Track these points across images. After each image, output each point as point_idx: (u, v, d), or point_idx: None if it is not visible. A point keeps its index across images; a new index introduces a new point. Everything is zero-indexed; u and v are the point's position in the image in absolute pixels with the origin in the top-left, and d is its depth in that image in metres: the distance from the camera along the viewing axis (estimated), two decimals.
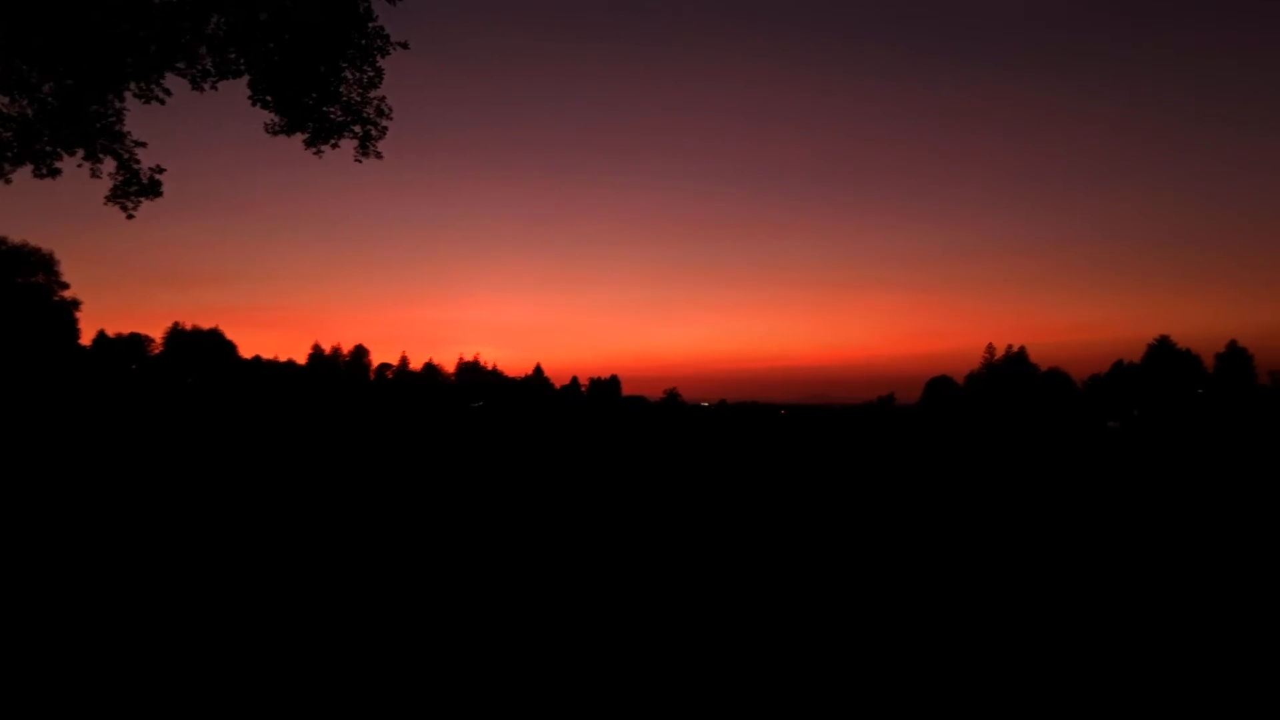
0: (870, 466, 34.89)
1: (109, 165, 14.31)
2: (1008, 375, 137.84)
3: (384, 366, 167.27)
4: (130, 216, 14.84)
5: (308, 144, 14.09)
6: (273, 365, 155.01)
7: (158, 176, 14.69)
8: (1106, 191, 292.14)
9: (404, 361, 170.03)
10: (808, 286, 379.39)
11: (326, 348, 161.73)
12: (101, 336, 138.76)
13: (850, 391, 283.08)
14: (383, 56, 13.53)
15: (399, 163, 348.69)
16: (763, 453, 43.42)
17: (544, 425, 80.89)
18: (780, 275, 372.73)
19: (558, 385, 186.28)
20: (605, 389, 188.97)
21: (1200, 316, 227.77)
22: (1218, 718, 7.17)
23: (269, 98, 13.50)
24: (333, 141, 14.09)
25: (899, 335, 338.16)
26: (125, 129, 14.15)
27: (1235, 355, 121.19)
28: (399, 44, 13.59)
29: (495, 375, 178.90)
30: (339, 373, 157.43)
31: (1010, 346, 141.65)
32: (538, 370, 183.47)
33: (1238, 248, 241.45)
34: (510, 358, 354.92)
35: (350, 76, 13.60)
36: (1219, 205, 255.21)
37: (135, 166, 14.45)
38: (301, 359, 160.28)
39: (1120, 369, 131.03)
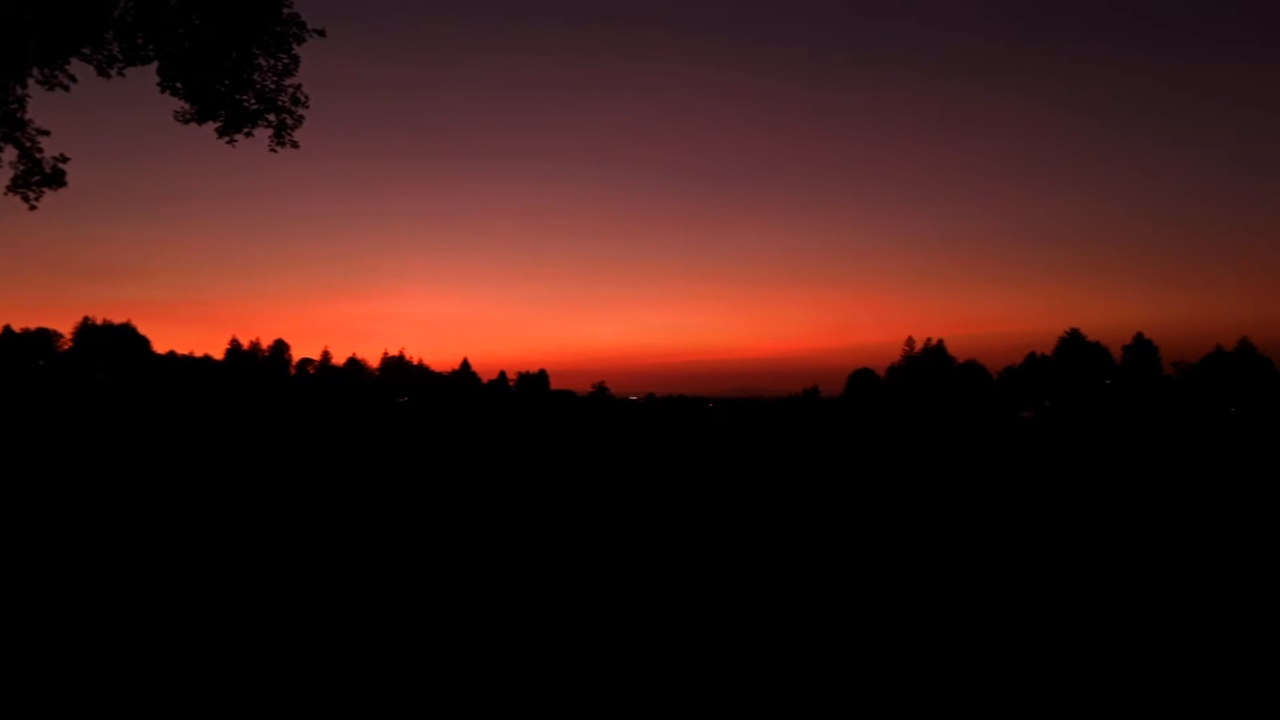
0: (796, 456, 35.50)
1: (10, 154, 13.76)
2: (927, 368, 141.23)
3: (305, 362, 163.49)
4: (33, 207, 14.28)
5: (220, 133, 13.72)
6: (188, 361, 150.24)
7: (62, 166, 14.16)
8: (1020, 190, 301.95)
9: (326, 356, 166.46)
10: (734, 281, 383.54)
11: (245, 343, 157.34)
12: (7, 332, 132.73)
13: (777, 384, 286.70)
14: (298, 43, 13.26)
15: (320, 153, 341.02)
16: (688, 445, 43.73)
17: (469, 420, 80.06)
18: (708, 270, 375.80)
19: (485, 380, 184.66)
20: (533, 383, 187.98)
21: (1109, 310, 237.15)
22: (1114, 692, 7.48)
23: (179, 84, 13.10)
24: (246, 130, 13.74)
25: (823, 329, 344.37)
26: (27, 116, 13.64)
27: (1142, 347, 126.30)
28: (315, 31, 13.32)
29: (421, 370, 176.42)
30: (258, 368, 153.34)
31: (929, 340, 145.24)
32: (465, 365, 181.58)
33: (1144, 244, 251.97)
34: (437, 353, 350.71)
35: (264, 63, 13.29)
36: (1126, 204, 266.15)
37: (38, 155, 13.91)
38: (219, 354, 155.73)
39: (1033, 361, 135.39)
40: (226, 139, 13.82)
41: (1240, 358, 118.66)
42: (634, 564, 12.18)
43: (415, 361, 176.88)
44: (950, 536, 14.91)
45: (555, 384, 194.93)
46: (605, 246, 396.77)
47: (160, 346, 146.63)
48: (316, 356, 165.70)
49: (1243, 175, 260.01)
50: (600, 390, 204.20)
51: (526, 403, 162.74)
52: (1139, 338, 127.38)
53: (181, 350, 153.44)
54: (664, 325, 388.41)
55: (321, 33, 13.39)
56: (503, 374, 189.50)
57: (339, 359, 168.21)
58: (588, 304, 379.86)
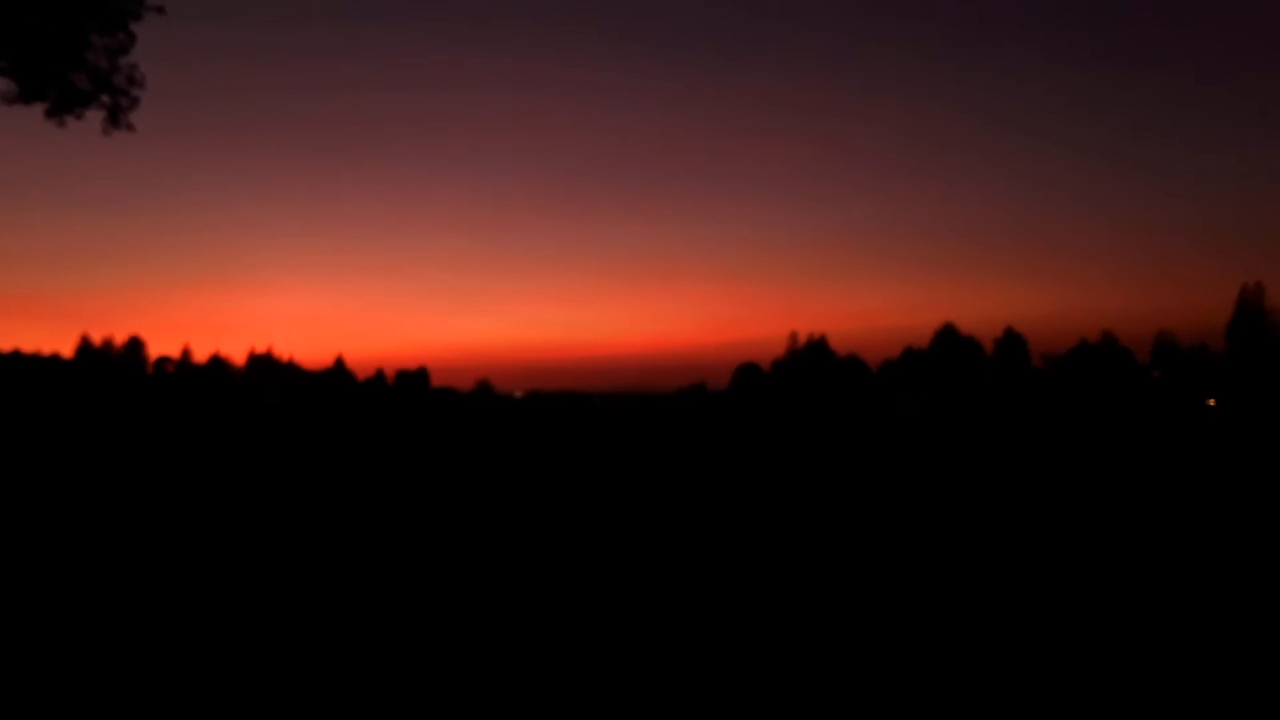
0: (685, 451, 34.62)
1: None
2: (810, 362, 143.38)
3: (163, 360, 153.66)
4: None
5: (49, 114, 12.92)
6: (33, 359, 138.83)
7: None
8: (897, 188, 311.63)
9: (186, 354, 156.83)
10: (618, 276, 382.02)
11: (96, 339, 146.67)
12: None
13: (663, 379, 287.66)
14: (135, 20, 12.57)
15: (176, 136, 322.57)
16: (571, 442, 42.24)
17: (341, 420, 75.97)
18: (593, 264, 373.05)
19: (361, 378, 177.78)
20: (413, 381, 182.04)
21: (982, 304, 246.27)
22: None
23: (3, 64, 12.41)
24: (77, 112, 13.07)
25: (709, 324, 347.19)
26: None
27: (1012, 340, 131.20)
28: (154, 7, 12.52)
29: (291, 368, 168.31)
30: (112, 367, 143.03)
31: (812, 334, 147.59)
32: (339, 362, 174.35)
33: (1014, 241, 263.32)
34: (309, 350, 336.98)
35: (97, 42, 12.60)
36: (998, 202, 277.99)
37: None
38: (68, 352, 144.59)
39: (910, 354, 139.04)
40: (56, 121, 13.13)
41: (1104, 349, 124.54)
42: (483, 575, 10.90)
43: (285, 359, 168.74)
44: (829, 525, 14.99)
45: (436, 381, 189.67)
46: (486, 239, 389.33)
47: (3, 344, 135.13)
48: (176, 354, 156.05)
49: (1105, 176, 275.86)
50: (483, 387, 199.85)
51: (404, 401, 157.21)
52: (1009, 331, 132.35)
53: (27, 348, 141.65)
54: (548, 320, 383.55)
55: (161, 9, 12.61)
56: (380, 372, 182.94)
57: (201, 356, 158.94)
58: (469, 298, 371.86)
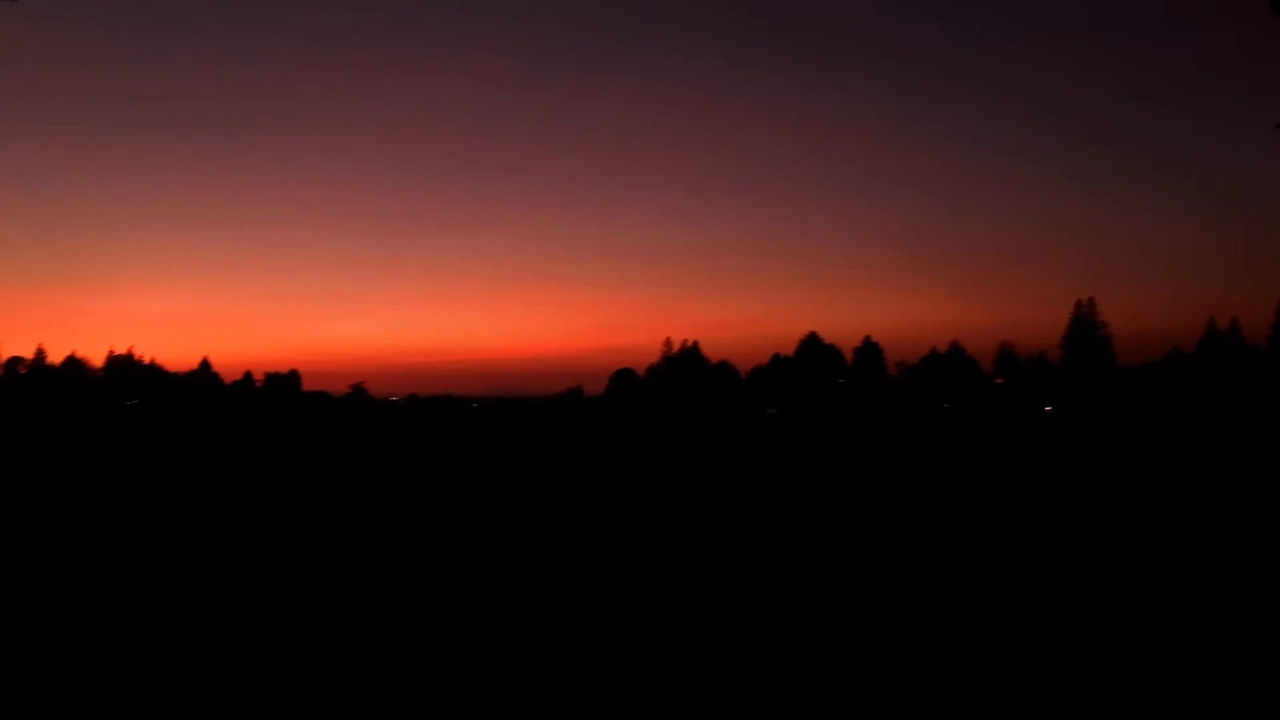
0: (562, 453, 35.62)
1: None
2: (683, 368, 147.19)
3: (14, 361, 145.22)
4: None
5: None
6: None
7: None
8: (766, 203, 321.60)
9: (40, 355, 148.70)
10: (498, 280, 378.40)
11: None
12: None
13: (541, 384, 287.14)
14: None
15: (27, 131, 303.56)
16: (450, 445, 42.69)
17: (208, 423, 74.40)
18: (471, 268, 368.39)
19: (229, 381, 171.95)
20: (283, 384, 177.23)
21: (843, 314, 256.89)
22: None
23: None
24: None
25: (585, 329, 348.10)
26: None
27: (870, 349, 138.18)
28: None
29: (154, 370, 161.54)
30: None
31: (685, 341, 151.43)
32: (204, 365, 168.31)
33: (873, 256, 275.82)
34: (173, 351, 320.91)
35: None
36: (857, 218, 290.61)
37: None
38: None
39: (777, 361, 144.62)
40: None
41: (952, 359, 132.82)
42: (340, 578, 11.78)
43: (147, 361, 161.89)
44: (700, 517, 15.77)
45: (309, 385, 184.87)
46: (366, 240, 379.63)
47: None
48: (29, 355, 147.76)
49: (954, 194, 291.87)
50: (358, 391, 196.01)
51: (274, 405, 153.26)
52: (867, 340, 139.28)
53: None
54: (426, 325, 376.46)
55: None
56: (248, 374, 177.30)
57: (56, 358, 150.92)
58: (343, 301, 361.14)
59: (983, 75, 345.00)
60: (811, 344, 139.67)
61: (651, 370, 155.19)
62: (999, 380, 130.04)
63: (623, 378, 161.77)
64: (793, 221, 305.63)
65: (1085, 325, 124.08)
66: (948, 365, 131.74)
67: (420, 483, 24.84)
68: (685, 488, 23.04)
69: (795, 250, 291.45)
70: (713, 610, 9.40)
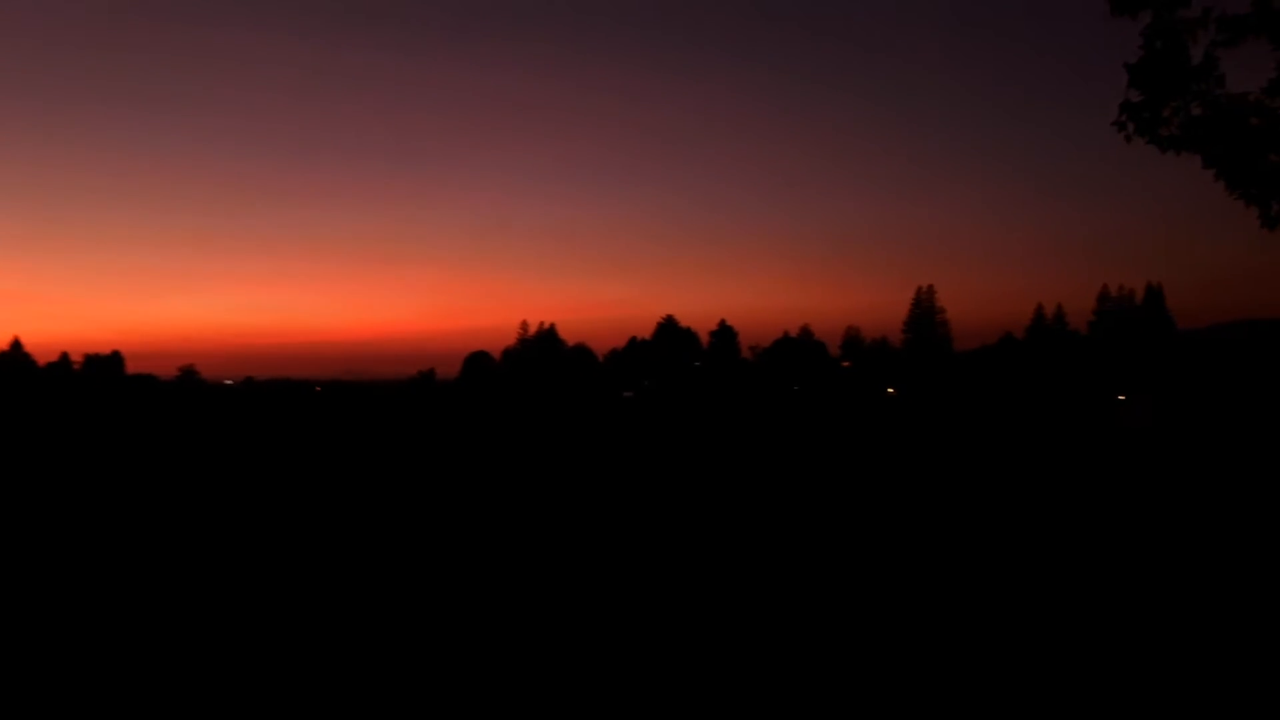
0: (412, 437, 34.56)
1: None
2: (540, 351, 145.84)
3: None
4: None
5: None
6: None
7: None
8: (624, 184, 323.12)
9: None
10: (342, 259, 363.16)
11: None
12: None
13: (390, 367, 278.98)
14: None
15: None
16: (288, 431, 40.63)
17: (17, 407, 68.00)
18: (315, 245, 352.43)
19: (43, 363, 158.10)
20: (104, 366, 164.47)
21: (699, 299, 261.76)
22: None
23: None
24: None
25: (438, 311, 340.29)
26: None
27: (725, 333, 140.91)
28: None
29: None
30: None
31: (542, 324, 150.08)
32: (15, 345, 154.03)
33: (728, 241, 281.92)
34: None
35: None
36: (713, 203, 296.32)
37: None
38: None
39: (635, 344, 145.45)
40: None
41: (802, 342, 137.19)
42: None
43: None
44: (558, 497, 15.43)
45: (133, 368, 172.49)
46: (196, 215, 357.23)
47: None
48: None
49: (804, 181, 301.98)
50: (188, 374, 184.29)
51: (94, 389, 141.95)
52: (722, 324, 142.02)
53: None
54: (264, 305, 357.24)
55: None
56: (65, 356, 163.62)
57: None
58: (171, 278, 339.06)
59: (834, 72, 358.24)
60: (668, 327, 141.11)
61: (508, 353, 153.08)
62: (846, 363, 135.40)
63: (477, 360, 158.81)
64: (650, 206, 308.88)
65: (925, 311, 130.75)
66: (798, 349, 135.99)
67: (250, 471, 23.42)
68: (535, 471, 23.08)
69: (653, 235, 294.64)
70: (546, 597, 9.23)
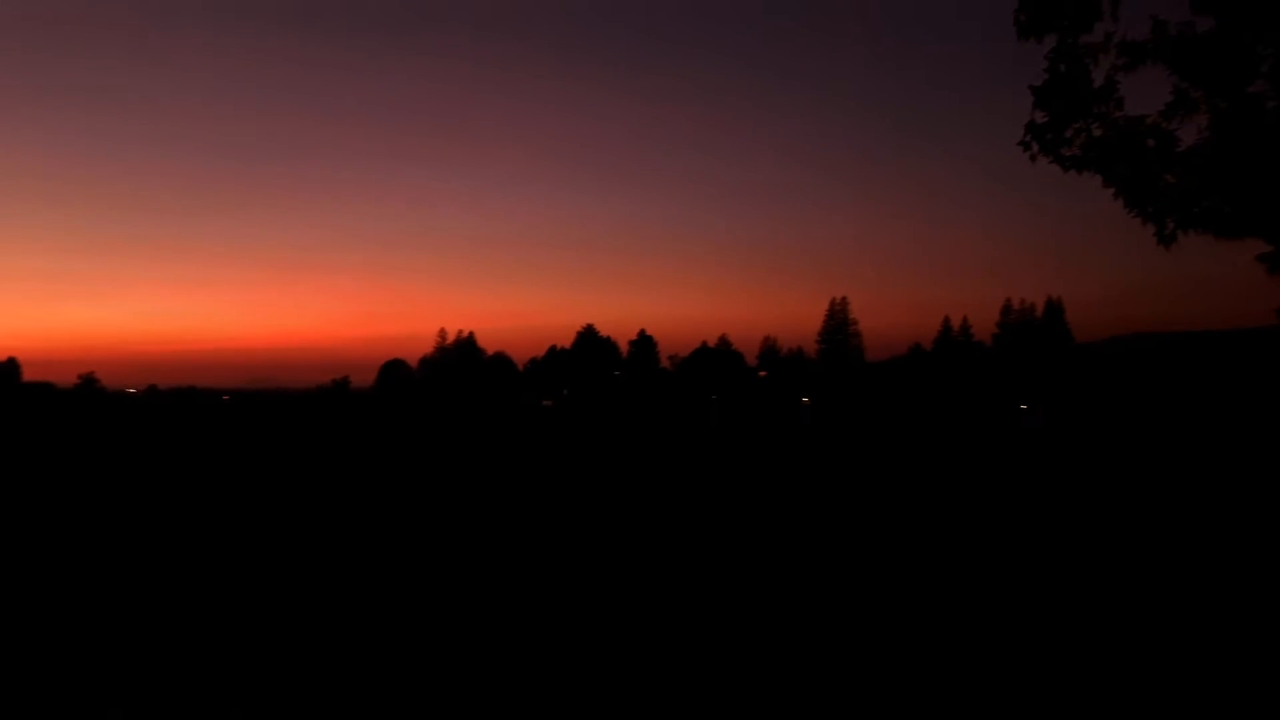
0: (322, 448, 33.73)
1: None
2: (458, 359, 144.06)
3: None
4: None
5: None
6: None
7: None
8: (545, 193, 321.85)
9: None
10: (253, 264, 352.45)
11: None
12: None
13: (303, 375, 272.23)
14: None
15: None
16: (190, 440, 39.43)
17: None
18: (221, 251, 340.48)
19: None
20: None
21: (619, 308, 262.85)
22: None
23: None
24: None
25: (354, 318, 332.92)
26: None
27: (644, 342, 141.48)
28: None
29: None
30: None
31: (461, 332, 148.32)
32: None
33: (649, 251, 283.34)
34: None
35: None
36: (634, 214, 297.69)
37: None
38: None
39: (555, 353, 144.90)
40: None
41: (720, 352, 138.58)
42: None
43: None
44: (475, 503, 15.34)
45: (31, 375, 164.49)
46: (97, 218, 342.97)
47: None
48: None
49: (724, 195, 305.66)
50: (88, 382, 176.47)
51: None
52: (642, 333, 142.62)
53: None
54: (171, 311, 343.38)
55: None
56: None
57: None
58: (72, 283, 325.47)
59: (752, 87, 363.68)
60: (588, 336, 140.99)
61: (425, 361, 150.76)
62: (763, 373, 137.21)
63: (393, 369, 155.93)
64: (571, 215, 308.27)
65: (839, 323, 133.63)
66: (716, 358, 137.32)
67: (142, 482, 22.66)
68: (459, 475, 23.16)
69: (573, 243, 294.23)
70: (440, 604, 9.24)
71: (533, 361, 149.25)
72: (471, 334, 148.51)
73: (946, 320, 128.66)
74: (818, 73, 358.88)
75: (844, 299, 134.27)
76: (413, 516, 15.17)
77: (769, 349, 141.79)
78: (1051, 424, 58.92)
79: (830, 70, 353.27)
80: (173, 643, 7.52)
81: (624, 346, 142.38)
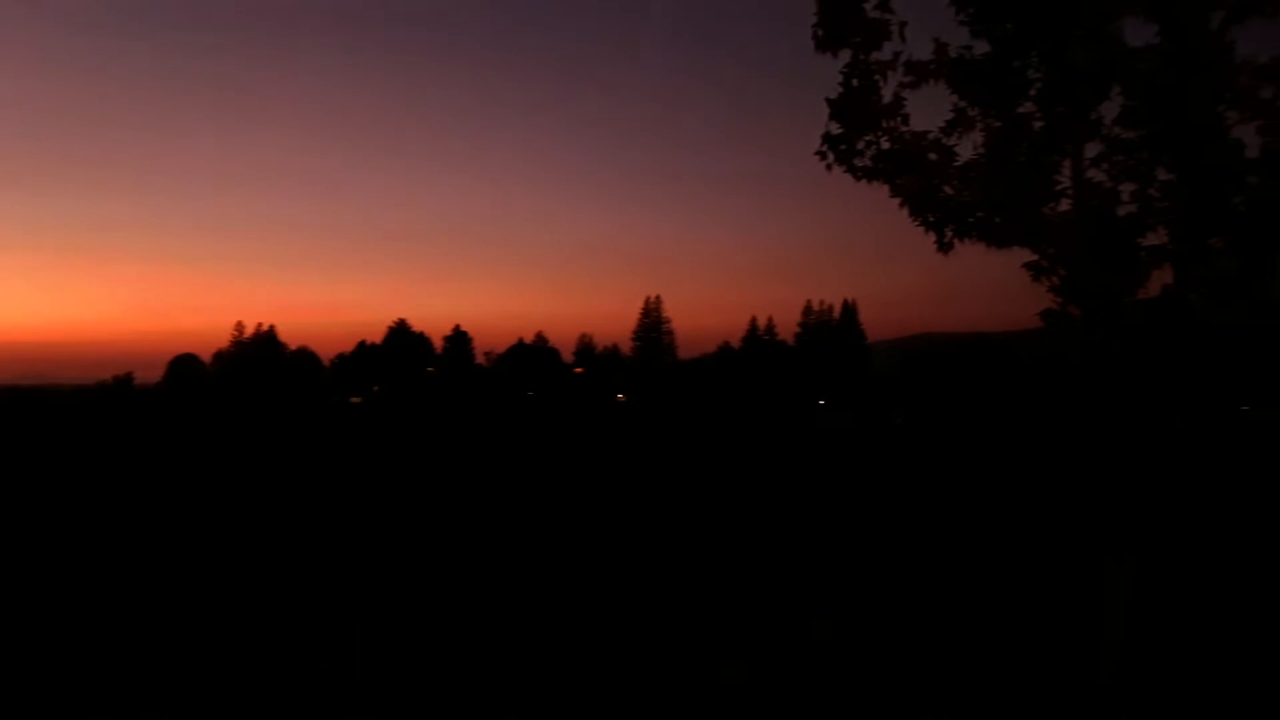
0: (93, 449, 31.22)
1: None
2: (257, 354, 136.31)
3: None
4: None
5: None
6: None
7: None
8: (354, 183, 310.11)
9: None
10: (27, 249, 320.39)
11: None
12: None
13: (79, 371, 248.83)
14: None
15: None
16: None
17: None
18: None
19: None
20: None
21: (433, 304, 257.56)
22: None
23: None
24: None
25: (140, 311, 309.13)
26: None
27: (459, 338, 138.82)
28: None
29: None
30: None
31: (261, 325, 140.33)
32: None
33: (464, 246, 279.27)
34: None
35: None
36: (449, 207, 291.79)
37: None
38: None
39: (364, 349, 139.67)
40: None
41: (537, 349, 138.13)
42: None
43: None
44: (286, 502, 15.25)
45: None
46: None
47: None
48: None
49: (540, 190, 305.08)
50: None
51: None
52: (457, 329, 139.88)
53: None
54: None
55: None
56: None
57: None
58: None
59: (571, 87, 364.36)
60: (400, 332, 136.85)
61: (220, 356, 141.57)
62: (579, 370, 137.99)
63: (183, 364, 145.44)
64: (382, 207, 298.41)
65: (653, 321, 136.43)
66: (533, 355, 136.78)
67: None
68: (257, 476, 22.39)
69: (385, 236, 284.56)
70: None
71: (340, 357, 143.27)
72: (272, 327, 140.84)
73: (754, 320, 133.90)
74: (636, 78, 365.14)
75: (658, 298, 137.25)
76: (181, 519, 14.28)
77: (585, 346, 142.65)
78: (845, 419, 63.05)
79: (648, 75, 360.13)
80: None
81: (438, 343, 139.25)
